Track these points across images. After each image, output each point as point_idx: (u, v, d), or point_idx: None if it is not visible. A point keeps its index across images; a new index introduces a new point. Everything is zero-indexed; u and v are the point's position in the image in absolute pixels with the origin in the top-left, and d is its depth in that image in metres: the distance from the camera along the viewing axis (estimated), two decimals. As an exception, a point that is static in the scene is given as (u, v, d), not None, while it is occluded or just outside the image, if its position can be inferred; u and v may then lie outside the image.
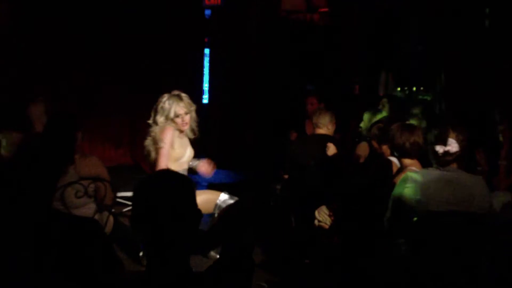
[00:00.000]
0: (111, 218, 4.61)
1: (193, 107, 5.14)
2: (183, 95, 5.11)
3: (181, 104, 5.02)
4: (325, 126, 5.92)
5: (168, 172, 2.10)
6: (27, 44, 7.52)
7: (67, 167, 4.19)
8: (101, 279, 2.33)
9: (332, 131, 5.96)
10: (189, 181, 2.01)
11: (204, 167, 5.37)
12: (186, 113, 5.04)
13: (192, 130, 5.19)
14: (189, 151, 5.18)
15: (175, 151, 5.03)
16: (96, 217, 4.34)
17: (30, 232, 2.41)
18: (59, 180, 4.11)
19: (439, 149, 3.69)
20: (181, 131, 5.10)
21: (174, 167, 4.85)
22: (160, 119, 5.01)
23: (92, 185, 4.29)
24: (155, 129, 5.00)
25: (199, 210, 1.99)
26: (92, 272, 2.36)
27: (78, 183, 4.19)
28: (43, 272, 2.30)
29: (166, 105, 5.02)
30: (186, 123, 5.05)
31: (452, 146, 3.67)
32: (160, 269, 1.90)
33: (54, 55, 7.79)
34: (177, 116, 5.00)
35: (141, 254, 5.09)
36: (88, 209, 4.32)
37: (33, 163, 2.60)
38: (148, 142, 5.06)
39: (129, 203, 5.72)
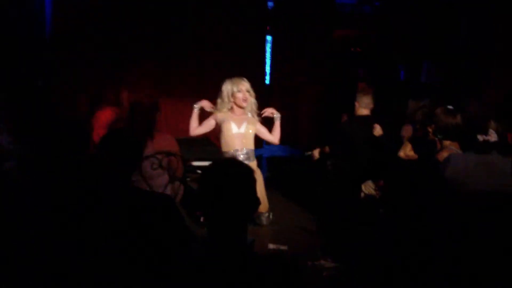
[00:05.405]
0: (181, 188, 4.60)
1: (251, 89, 5.02)
2: (242, 78, 5.04)
3: (242, 81, 4.95)
4: (367, 107, 5.69)
5: (233, 160, 2.09)
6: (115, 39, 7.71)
7: (147, 141, 4.24)
8: (175, 252, 2.32)
9: (371, 111, 5.71)
10: (251, 171, 1.96)
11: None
12: (247, 90, 4.92)
13: (252, 110, 5.07)
14: (240, 129, 5.03)
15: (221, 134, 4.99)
16: (168, 187, 4.35)
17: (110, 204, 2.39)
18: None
19: (480, 137, 3.68)
20: (240, 107, 4.97)
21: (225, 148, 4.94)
22: (218, 100, 4.96)
23: (165, 159, 4.32)
24: None
25: (257, 199, 1.95)
26: (167, 246, 2.34)
27: (153, 157, 4.20)
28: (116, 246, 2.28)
29: (227, 84, 4.96)
30: (246, 99, 4.92)
31: (492, 136, 3.67)
32: (219, 242, 1.90)
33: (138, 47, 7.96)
34: (238, 91, 4.92)
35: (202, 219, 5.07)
36: (161, 179, 4.34)
37: (121, 138, 2.63)
38: None
39: (198, 171, 5.70)
